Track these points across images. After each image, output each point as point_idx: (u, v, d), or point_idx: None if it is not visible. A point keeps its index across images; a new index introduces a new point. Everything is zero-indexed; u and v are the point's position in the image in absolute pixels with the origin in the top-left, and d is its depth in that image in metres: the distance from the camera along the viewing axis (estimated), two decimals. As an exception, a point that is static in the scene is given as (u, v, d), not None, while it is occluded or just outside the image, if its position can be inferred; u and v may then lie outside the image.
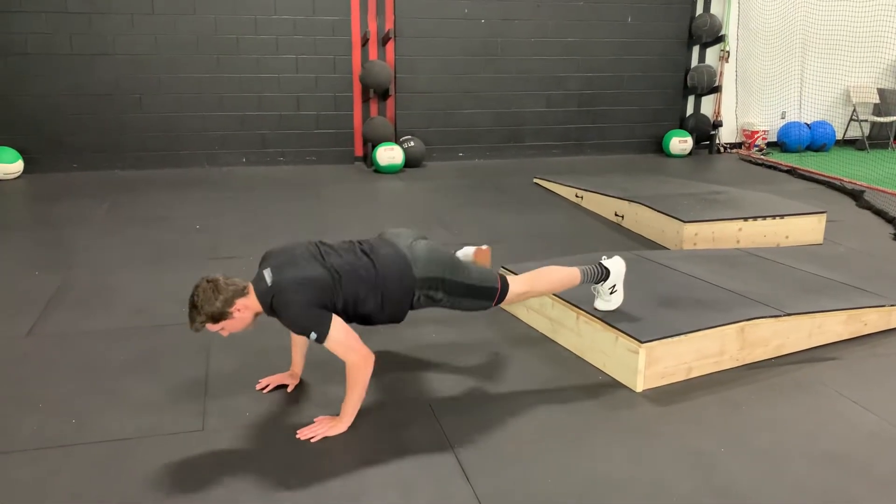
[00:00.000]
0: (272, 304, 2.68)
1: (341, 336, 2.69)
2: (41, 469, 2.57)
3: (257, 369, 3.26)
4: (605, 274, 3.33)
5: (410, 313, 3.00)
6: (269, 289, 2.68)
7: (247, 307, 2.69)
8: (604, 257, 3.38)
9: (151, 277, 4.53)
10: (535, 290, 3.22)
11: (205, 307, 2.62)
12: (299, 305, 2.66)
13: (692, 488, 2.51)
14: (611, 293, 3.38)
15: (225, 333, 2.73)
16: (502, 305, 3.17)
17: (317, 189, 7.07)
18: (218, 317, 2.64)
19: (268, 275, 2.71)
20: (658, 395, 3.15)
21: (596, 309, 3.42)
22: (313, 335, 2.66)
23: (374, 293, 2.81)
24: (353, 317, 2.85)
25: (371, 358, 2.78)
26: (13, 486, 2.47)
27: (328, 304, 2.71)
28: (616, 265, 3.35)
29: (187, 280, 4.46)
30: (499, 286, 3.03)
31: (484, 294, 3.01)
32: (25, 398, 3.04)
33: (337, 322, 2.69)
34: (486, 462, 2.65)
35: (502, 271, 3.65)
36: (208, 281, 2.66)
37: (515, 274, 3.33)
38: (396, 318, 2.97)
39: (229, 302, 2.64)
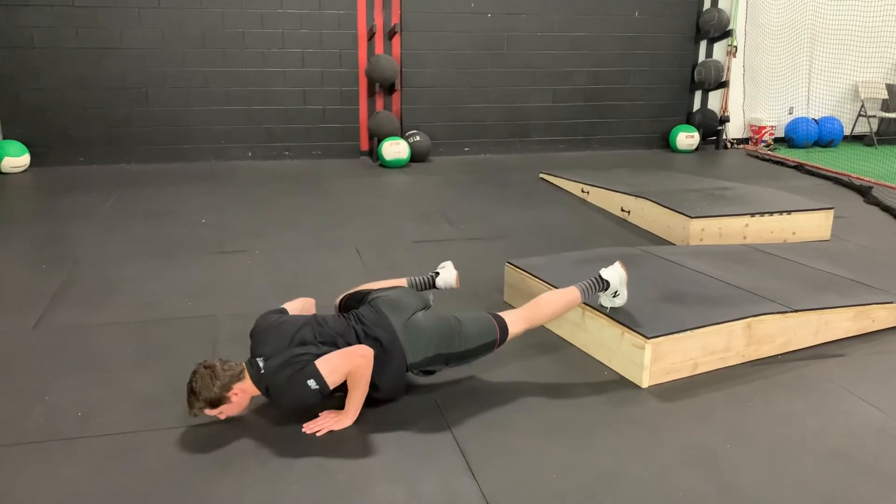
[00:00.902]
0: (268, 388, 2.72)
1: (332, 364, 2.70)
2: (47, 462, 2.58)
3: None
4: (604, 285, 3.29)
5: None
6: (263, 375, 2.72)
7: (243, 391, 2.72)
8: (601, 269, 3.33)
9: (157, 271, 4.54)
10: (536, 322, 3.18)
11: (203, 393, 2.65)
12: (289, 385, 2.68)
13: (698, 484, 2.51)
14: (614, 297, 3.34)
15: (223, 417, 2.75)
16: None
17: (322, 183, 7.07)
18: (216, 402, 2.67)
19: (261, 362, 2.75)
20: (664, 391, 3.14)
21: (602, 306, 3.40)
22: (313, 385, 2.66)
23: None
24: None
25: (369, 354, 2.78)
26: (19, 479, 2.48)
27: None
28: (613, 274, 3.29)
29: (193, 274, 4.51)
30: (497, 336, 3.02)
31: (483, 350, 3.03)
32: (31, 391, 3.05)
33: (321, 363, 2.69)
34: (491, 457, 2.65)
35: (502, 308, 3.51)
36: (205, 367, 2.69)
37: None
38: (394, 396, 3.00)
39: (226, 387, 2.67)
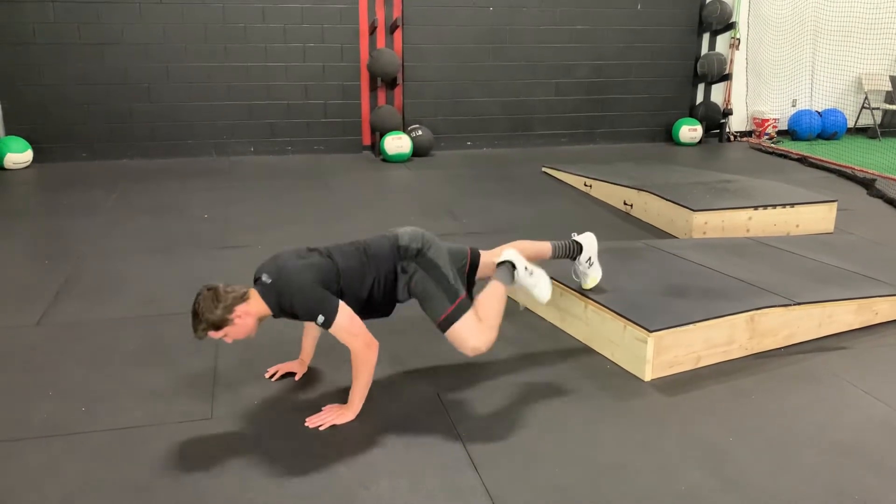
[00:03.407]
0: (279, 298, 2.70)
1: (346, 322, 2.70)
2: (52, 456, 2.58)
3: (266, 357, 3.27)
4: (577, 249, 3.44)
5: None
6: (272, 285, 2.71)
7: (248, 313, 2.70)
8: (573, 234, 3.48)
9: (160, 266, 4.54)
10: (486, 315, 2.95)
11: (205, 315, 2.64)
12: (305, 287, 2.68)
13: (701, 478, 2.51)
14: (589, 266, 3.45)
15: (229, 340, 2.74)
16: (460, 342, 2.90)
17: (324, 178, 7.07)
18: (219, 324, 2.66)
19: (266, 277, 2.74)
20: (666, 385, 3.14)
21: (588, 289, 3.50)
22: (321, 318, 2.67)
23: (369, 273, 2.86)
24: (353, 305, 2.84)
25: (375, 345, 2.79)
26: (24, 473, 2.49)
27: (332, 289, 2.74)
28: (586, 239, 3.46)
29: (196, 269, 4.51)
30: (461, 297, 2.91)
31: (448, 290, 2.89)
32: (36, 386, 3.06)
33: (343, 307, 2.71)
34: (493, 451, 2.65)
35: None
36: (209, 289, 2.68)
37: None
38: (388, 305, 2.99)
39: (229, 309, 2.66)
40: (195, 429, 2.76)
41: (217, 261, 4.68)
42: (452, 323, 2.86)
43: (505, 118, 8.77)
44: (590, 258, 3.45)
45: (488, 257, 3.22)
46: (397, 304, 3.03)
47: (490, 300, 2.99)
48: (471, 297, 3.02)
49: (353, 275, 2.82)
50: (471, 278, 3.17)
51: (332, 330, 2.70)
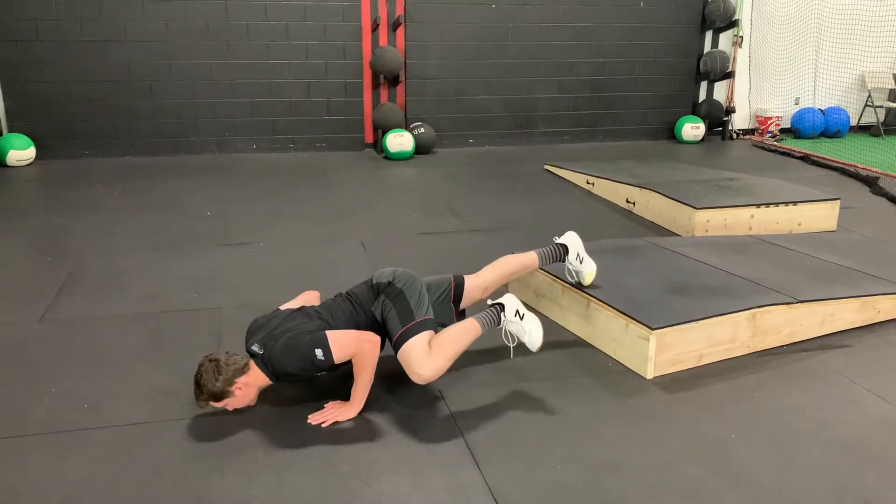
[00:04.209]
0: (273, 368, 2.74)
1: (338, 345, 2.72)
2: (54, 453, 2.59)
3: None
4: (562, 251, 3.45)
5: None
6: (263, 356, 2.75)
7: (248, 384, 2.73)
8: (555, 238, 3.50)
9: (163, 263, 4.55)
10: (493, 279, 3.29)
11: (207, 386, 2.67)
12: (290, 346, 2.71)
13: (703, 475, 2.51)
14: (580, 262, 3.47)
15: (230, 408, 2.77)
16: (410, 366, 2.83)
17: (327, 176, 7.07)
18: (220, 395, 2.69)
19: (256, 348, 2.78)
20: (669, 382, 3.14)
21: (586, 284, 3.51)
22: (319, 355, 2.68)
23: (360, 321, 2.94)
24: None
25: (376, 341, 2.80)
26: (26, 470, 2.49)
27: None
28: (568, 239, 3.48)
29: (199, 266, 4.52)
30: (416, 321, 2.86)
31: (403, 314, 2.88)
32: (38, 383, 3.07)
33: (331, 335, 2.74)
34: (495, 448, 2.65)
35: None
36: (210, 360, 2.71)
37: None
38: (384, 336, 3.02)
39: (230, 381, 2.69)
40: (198, 426, 2.77)
41: (219, 258, 4.68)
42: (401, 345, 2.84)
43: (507, 116, 8.76)
44: (578, 254, 3.46)
45: (475, 280, 3.27)
46: None
47: (453, 334, 2.93)
48: (456, 320, 3.08)
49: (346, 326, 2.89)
50: (456, 305, 3.21)
51: (335, 360, 2.72)
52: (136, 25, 7.47)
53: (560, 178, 7.00)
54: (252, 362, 2.77)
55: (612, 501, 2.37)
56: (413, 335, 2.84)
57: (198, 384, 2.69)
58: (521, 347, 3.09)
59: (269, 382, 2.79)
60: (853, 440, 2.73)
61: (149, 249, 4.81)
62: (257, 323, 2.91)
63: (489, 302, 3.09)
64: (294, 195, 6.31)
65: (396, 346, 2.86)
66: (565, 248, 3.45)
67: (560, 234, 3.52)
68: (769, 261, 4.13)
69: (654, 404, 2.98)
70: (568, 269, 3.51)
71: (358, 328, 2.89)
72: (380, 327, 2.96)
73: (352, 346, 2.75)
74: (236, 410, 2.80)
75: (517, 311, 3.04)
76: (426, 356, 2.79)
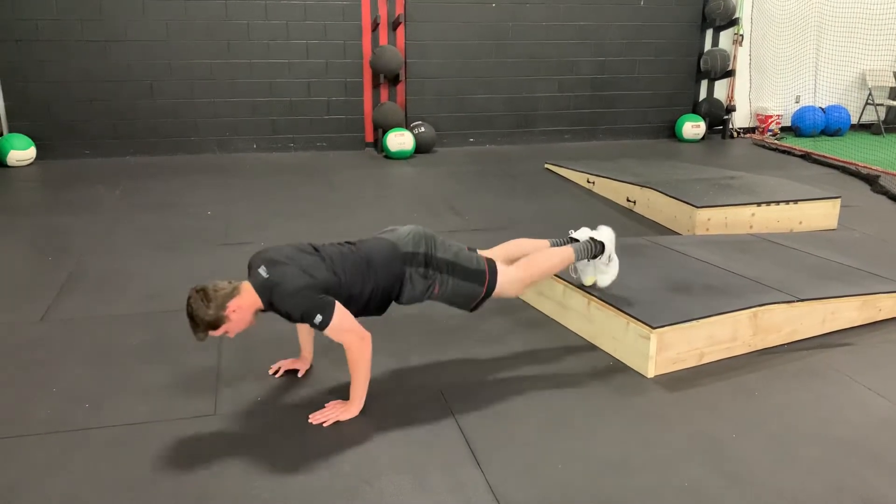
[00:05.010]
0: (272, 297, 2.69)
1: (339, 320, 2.70)
2: (55, 452, 2.59)
3: (269, 354, 3.28)
4: (599, 248, 3.38)
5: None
6: (267, 280, 2.69)
7: (241, 307, 2.70)
8: (592, 230, 3.42)
9: (164, 263, 4.55)
10: (529, 274, 3.17)
11: (200, 316, 2.65)
12: (303, 292, 2.67)
13: (703, 474, 2.51)
14: (608, 264, 3.42)
15: (231, 335, 2.75)
16: (499, 295, 3.09)
17: (327, 175, 7.07)
18: (215, 323, 2.67)
19: (262, 271, 2.72)
20: (669, 381, 3.14)
21: (599, 287, 3.45)
22: (318, 318, 2.66)
23: (369, 282, 2.85)
24: (351, 310, 2.84)
25: (368, 337, 2.78)
26: (27, 469, 2.50)
27: (330, 292, 2.73)
28: (606, 236, 3.40)
29: (199, 266, 4.52)
30: (486, 267, 3.01)
31: (471, 275, 2.98)
32: (39, 383, 3.07)
33: (336, 306, 2.71)
34: (496, 447, 2.65)
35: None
36: (197, 291, 2.68)
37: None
38: (383, 307, 2.98)
39: (222, 306, 2.66)
40: (198, 425, 2.77)
41: (220, 257, 4.68)
42: (492, 291, 3.01)
43: (508, 115, 8.76)
44: (610, 257, 3.41)
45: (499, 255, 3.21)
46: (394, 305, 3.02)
47: (550, 260, 3.19)
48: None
49: (354, 288, 2.81)
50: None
51: (326, 331, 2.70)
52: (137, 25, 7.47)
53: (560, 177, 7.00)
54: (243, 285, 2.73)
55: (612, 500, 2.37)
56: (495, 280, 2.99)
57: (191, 317, 2.66)
58: (518, 342, 3.08)
59: (262, 306, 2.74)
60: (854, 439, 2.73)
61: (149, 249, 4.81)
62: (267, 252, 2.83)
63: (589, 233, 3.29)
64: (294, 195, 6.31)
65: (487, 295, 3.01)
66: (601, 248, 3.39)
67: (562, 233, 3.48)
68: (770, 259, 4.13)
69: (654, 403, 2.98)
70: (575, 266, 3.47)
71: (361, 295, 2.83)
72: (384, 294, 2.89)
73: (347, 334, 2.73)
74: (238, 336, 2.76)
75: (610, 257, 3.34)
76: (515, 280, 3.08)
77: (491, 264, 3.04)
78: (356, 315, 2.84)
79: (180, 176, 6.93)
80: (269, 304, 2.72)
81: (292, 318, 2.76)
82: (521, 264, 3.15)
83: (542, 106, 8.83)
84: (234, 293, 2.69)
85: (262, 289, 2.70)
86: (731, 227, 5.15)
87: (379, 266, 2.87)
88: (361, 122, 8.35)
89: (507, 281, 3.07)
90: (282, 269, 2.70)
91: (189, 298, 2.67)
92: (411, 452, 2.62)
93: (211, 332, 2.68)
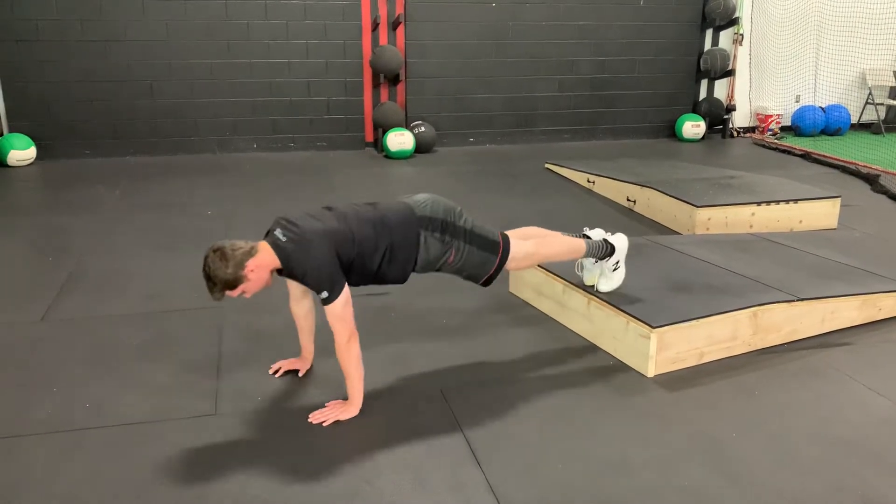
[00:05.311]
0: (290, 261, 2.68)
1: (341, 306, 2.70)
2: (55, 452, 2.59)
3: (269, 353, 3.28)
4: (609, 249, 3.36)
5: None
6: (287, 245, 2.68)
7: (259, 266, 2.69)
8: (608, 234, 3.42)
9: (164, 263, 4.55)
10: (540, 253, 3.19)
11: (218, 275, 2.64)
12: (321, 257, 2.67)
13: (703, 473, 2.51)
14: (614, 270, 3.41)
15: (248, 295, 2.74)
16: (509, 268, 3.14)
17: (327, 175, 7.07)
18: (233, 282, 2.66)
19: (280, 232, 2.71)
20: (669, 381, 3.14)
21: (598, 290, 3.44)
22: (324, 294, 2.66)
23: (383, 239, 2.82)
24: (364, 272, 2.83)
25: (356, 336, 2.78)
26: (28, 469, 2.50)
27: (344, 260, 2.72)
28: (620, 241, 3.40)
29: (199, 266, 4.48)
30: (500, 240, 3.03)
31: (487, 245, 2.99)
32: (39, 382, 3.07)
33: (346, 291, 2.71)
34: (497, 447, 2.65)
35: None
36: (215, 250, 2.67)
37: None
38: (404, 271, 2.93)
39: (240, 265, 2.65)
40: (199, 425, 2.77)
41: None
42: (506, 261, 3.04)
43: (508, 114, 8.75)
44: (617, 262, 3.41)
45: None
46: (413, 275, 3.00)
47: (560, 244, 3.21)
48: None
49: (367, 243, 2.79)
50: None
51: (327, 308, 2.70)
52: (137, 25, 7.47)
53: (561, 177, 7.00)
54: (260, 244, 2.72)
55: (612, 499, 2.38)
56: (509, 252, 3.02)
57: (208, 277, 2.65)
58: (518, 342, 3.08)
59: (279, 266, 2.72)
60: (854, 438, 2.73)
61: (149, 249, 4.81)
62: (285, 216, 2.81)
63: (603, 235, 3.31)
64: (295, 194, 6.31)
65: (500, 266, 3.03)
66: (611, 250, 3.39)
67: (578, 230, 3.48)
68: (770, 259, 4.13)
69: (654, 403, 2.98)
70: (582, 264, 3.49)
71: (375, 253, 2.80)
72: (400, 255, 2.87)
73: (340, 323, 2.71)
74: (255, 296, 2.73)
75: (617, 262, 3.35)
76: (527, 255, 3.12)
77: (505, 237, 3.07)
78: (374, 281, 2.86)
79: (180, 176, 6.93)
80: (286, 265, 2.72)
81: (303, 282, 2.76)
82: (535, 242, 3.18)
83: (543, 105, 8.83)
84: (251, 252, 2.68)
85: (280, 252, 2.69)
86: (731, 226, 5.15)
87: (394, 225, 2.85)
88: (361, 122, 8.35)
89: (520, 255, 3.09)
90: (304, 240, 2.68)
91: (206, 258, 2.66)
92: (411, 452, 2.62)
93: (228, 292, 2.68)
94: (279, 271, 2.77)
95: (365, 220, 2.82)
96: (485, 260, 3.00)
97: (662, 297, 3.43)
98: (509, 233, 3.18)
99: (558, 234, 3.36)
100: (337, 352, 2.77)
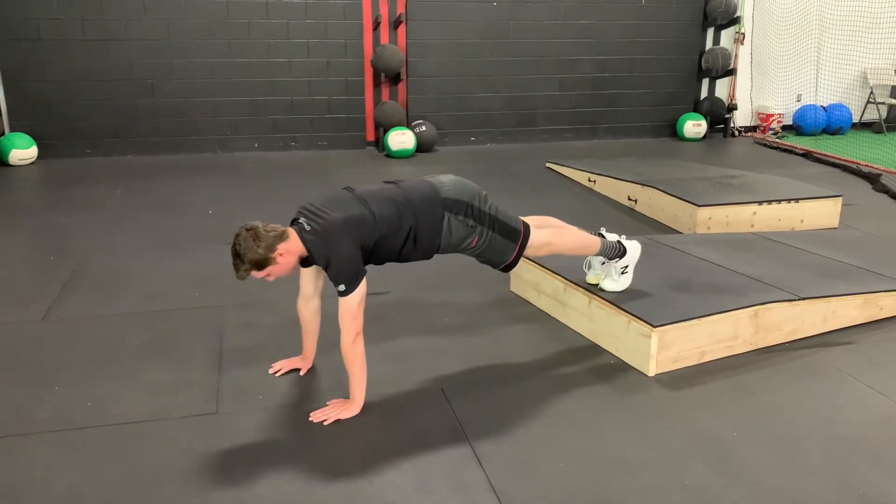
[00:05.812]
0: (314, 249, 2.69)
1: (355, 302, 2.71)
2: (57, 451, 2.59)
3: (271, 353, 3.28)
4: (621, 251, 3.37)
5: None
6: (310, 233, 2.69)
7: (289, 251, 2.69)
8: (623, 237, 3.43)
9: (165, 262, 4.55)
10: (557, 244, 3.20)
11: (248, 255, 2.63)
12: (343, 250, 2.67)
13: (704, 472, 2.51)
14: (621, 273, 3.42)
15: (271, 279, 2.74)
16: (527, 255, 3.14)
17: (328, 174, 7.08)
18: (262, 263, 2.65)
19: (306, 223, 2.72)
20: (670, 380, 3.14)
21: (601, 289, 3.45)
22: (342, 287, 2.67)
23: (406, 219, 2.80)
24: (388, 251, 2.83)
25: (362, 335, 2.78)
26: (30, 467, 2.50)
27: (365, 245, 2.73)
28: (633, 247, 3.41)
29: (201, 265, 4.52)
30: (522, 228, 3.05)
31: (510, 232, 3.01)
32: (41, 382, 3.07)
33: (363, 286, 2.72)
34: (498, 447, 2.65)
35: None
36: (248, 229, 2.67)
37: (529, 260, 3.33)
38: (429, 251, 2.93)
39: (271, 248, 2.65)
40: (200, 424, 2.77)
41: (221, 256, 4.64)
42: (525, 248, 3.05)
43: (509, 114, 8.75)
44: (626, 266, 3.42)
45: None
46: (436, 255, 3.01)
47: (575, 237, 3.24)
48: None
49: (390, 223, 2.78)
50: None
51: (342, 301, 2.70)
52: (137, 25, 7.47)
53: (562, 176, 7.00)
54: (290, 230, 2.72)
55: (613, 498, 2.38)
56: (528, 237, 3.04)
57: (237, 254, 2.64)
58: (519, 342, 3.07)
59: (305, 253, 2.73)
60: (854, 437, 2.73)
61: (150, 248, 4.81)
62: (309, 204, 2.83)
63: (617, 236, 3.32)
64: (296, 194, 6.29)
65: (520, 252, 3.05)
66: (623, 252, 3.40)
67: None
68: (771, 258, 4.12)
69: (655, 402, 2.98)
70: (591, 262, 3.51)
71: (399, 233, 2.79)
72: (425, 234, 2.86)
73: (350, 320, 2.71)
74: (278, 280, 2.73)
75: (626, 266, 3.38)
76: (545, 243, 3.13)
77: (526, 225, 3.08)
78: (398, 259, 2.88)
79: (181, 175, 6.93)
80: (311, 254, 2.72)
81: (325, 270, 2.75)
82: (552, 231, 3.21)
83: (544, 105, 8.83)
84: (283, 236, 2.69)
85: (305, 241, 2.70)
86: (732, 225, 5.15)
87: (418, 203, 2.84)
88: (363, 121, 8.35)
89: (538, 243, 3.12)
90: (328, 230, 2.68)
91: (237, 236, 2.66)
92: (412, 451, 2.62)
93: (254, 273, 2.67)
94: (303, 261, 2.78)
95: (386, 200, 2.82)
96: (505, 247, 3.02)
97: (663, 297, 3.43)
98: (527, 219, 3.19)
99: (574, 227, 3.38)
100: (342, 349, 2.77)
